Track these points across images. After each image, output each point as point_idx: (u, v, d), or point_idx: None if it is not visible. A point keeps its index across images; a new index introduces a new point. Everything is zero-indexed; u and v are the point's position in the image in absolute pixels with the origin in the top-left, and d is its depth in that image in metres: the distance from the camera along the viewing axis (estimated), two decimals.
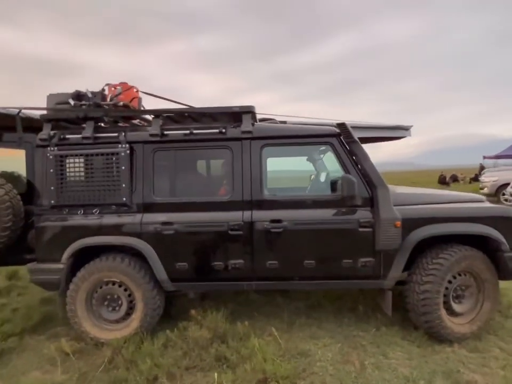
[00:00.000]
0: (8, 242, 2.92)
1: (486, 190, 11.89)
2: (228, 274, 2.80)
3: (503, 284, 2.88)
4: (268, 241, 2.75)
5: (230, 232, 2.74)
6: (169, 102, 3.43)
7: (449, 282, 2.70)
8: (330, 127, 2.85)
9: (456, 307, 2.74)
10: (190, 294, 3.27)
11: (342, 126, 2.76)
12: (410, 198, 2.86)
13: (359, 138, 3.85)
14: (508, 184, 10.53)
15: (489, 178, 12.56)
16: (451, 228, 2.66)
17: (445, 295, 2.69)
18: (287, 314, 3.20)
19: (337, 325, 3.03)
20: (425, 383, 2.14)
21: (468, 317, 2.77)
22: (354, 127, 4.87)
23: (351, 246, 2.72)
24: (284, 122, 4.49)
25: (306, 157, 3.43)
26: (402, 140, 5.79)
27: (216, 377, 2.23)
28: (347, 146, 2.78)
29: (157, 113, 2.91)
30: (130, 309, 2.87)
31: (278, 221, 2.72)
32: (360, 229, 2.70)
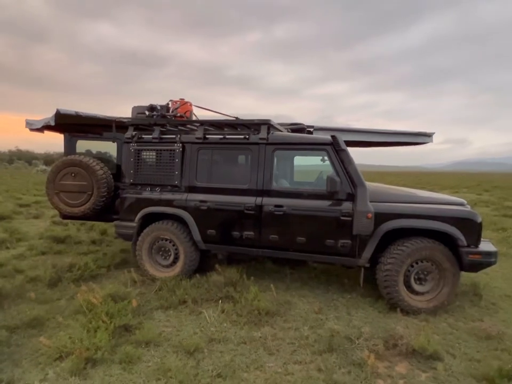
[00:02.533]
0: (104, 206, 4.40)
1: None
2: (242, 242, 3.86)
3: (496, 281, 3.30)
4: (272, 220, 3.72)
5: (245, 211, 3.79)
6: (215, 113, 4.56)
7: (412, 266, 3.38)
8: (326, 137, 3.67)
9: (417, 287, 3.41)
10: (219, 256, 4.45)
11: (334, 137, 3.57)
12: (387, 197, 3.56)
13: (381, 142, 4.73)
14: None
15: None
16: (412, 223, 3.32)
17: (407, 276, 3.39)
18: (289, 280, 4.17)
19: (323, 291, 3.91)
20: (356, 331, 2.92)
21: (427, 296, 3.42)
22: (380, 132, 5.54)
23: (334, 229, 3.55)
24: (311, 127, 5.38)
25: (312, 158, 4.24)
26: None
27: (220, 304, 3.34)
28: (338, 153, 3.58)
29: (201, 123, 4.06)
30: (176, 258, 4.14)
31: (280, 206, 3.68)
32: (342, 217, 3.51)
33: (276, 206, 3.70)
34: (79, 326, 2.79)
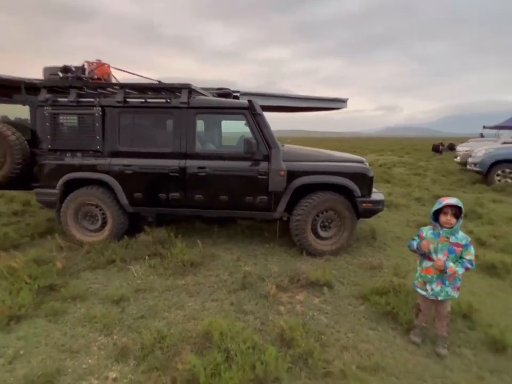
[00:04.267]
0: (19, 173, 4.20)
1: (458, 159, 12.69)
2: (169, 203, 4.06)
3: None
4: (196, 181, 3.96)
5: (170, 174, 3.96)
6: (137, 76, 4.49)
7: (317, 216, 3.93)
8: (243, 102, 3.92)
9: (322, 233, 4.00)
10: (148, 218, 4.61)
11: (250, 102, 3.82)
12: (298, 156, 3.99)
13: (302, 107, 5.06)
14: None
15: (462, 148, 13.31)
16: (317, 179, 3.82)
17: (314, 225, 3.94)
18: (215, 236, 4.53)
19: (246, 244, 4.35)
20: (268, 272, 3.43)
21: (331, 241, 4.03)
22: (300, 98, 5.89)
23: (252, 187, 3.92)
24: (237, 92, 5.54)
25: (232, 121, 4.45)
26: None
27: (147, 260, 3.59)
28: (254, 117, 3.86)
29: (121, 86, 4.02)
30: (104, 223, 4.21)
31: (203, 167, 3.92)
32: (259, 176, 3.88)
33: (199, 167, 3.93)
34: (1, 290, 2.84)
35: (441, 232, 2.24)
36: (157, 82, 4.37)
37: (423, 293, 2.34)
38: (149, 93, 4.20)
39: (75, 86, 4.03)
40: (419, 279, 2.37)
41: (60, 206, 4.17)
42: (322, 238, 4.01)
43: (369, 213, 4.03)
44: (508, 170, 8.77)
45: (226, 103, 4.00)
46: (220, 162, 3.95)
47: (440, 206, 2.19)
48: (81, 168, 4.09)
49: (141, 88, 4.16)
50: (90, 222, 4.23)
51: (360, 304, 2.91)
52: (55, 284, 3.01)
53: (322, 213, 3.94)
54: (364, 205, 3.89)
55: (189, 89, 3.94)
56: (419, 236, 2.35)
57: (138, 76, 4.47)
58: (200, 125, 4.09)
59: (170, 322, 2.56)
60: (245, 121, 3.94)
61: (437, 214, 2.25)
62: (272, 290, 2.87)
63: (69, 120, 4.11)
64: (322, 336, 2.43)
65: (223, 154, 4.01)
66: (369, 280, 3.29)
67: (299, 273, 3.29)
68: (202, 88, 4.62)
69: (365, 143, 51.24)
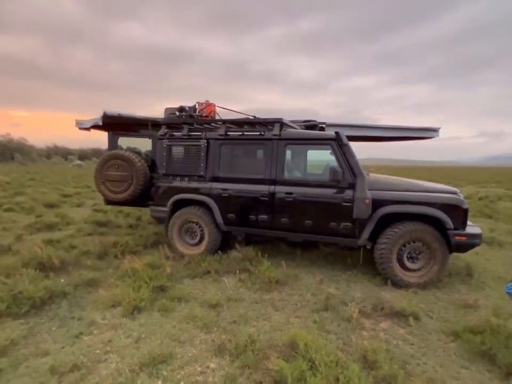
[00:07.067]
0: (141, 193, 5.16)
1: None
2: (257, 224, 4.48)
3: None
4: (283, 205, 4.31)
5: (260, 198, 4.40)
6: (236, 112, 5.19)
7: (404, 246, 3.86)
8: (331, 133, 4.18)
9: (409, 264, 3.89)
10: (238, 237, 5.10)
11: (337, 133, 4.08)
12: (384, 185, 4.03)
13: (389, 137, 5.24)
14: None
15: None
16: (404, 208, 3.79)
17: (400, 254, 3.88)
18: (299, 259, 4.75)
19: (328, 269, 4.46)
20: (350, 297, 3.47)
21: (419, 273, 3.89)
22: (386, 128, 5.97)
23: (336, 214, 4.09)
24: (323, 123, 5.88)
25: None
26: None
27: (237, 274, 3.99)
28: (340, 147, 4.09)
29: (223, 121, 4.70)
30: (201, 238, 4.83)
31: (290, 193, 4.26)
32: (344, 203, 4.04)
33: (287, 193, 4.28)
34: (126, 285, 3.54)
35: None
36: (253, 117, 4.97)
37: None
38: (245, 126, 4.80)
39: (187, 122, 4.86)
40: None
41: (168, 221, 4.95)
42: (409, 270, 3.90)
43: (464, 247, 3.80)
44: None
45: (314, 135, 4.34)
46: (306, 188, 4.25)
47: None
48: (187, 190, 4.82)
49: (239, 123, 4.79)
50: (190, 237, 4.90)
51: (450, 341, 2.78)
52: (164, 285, 3.60)
53: (409, 243, 3.87)
54: (456, 237, 3.70)
55: (280, 123, 4.40)
56: None
57: (237, 112, 5.16)
58: (288, 154, 4.48)
59: (259, 330, 2.84)
60: (330, 151, 4.19)
61: None
62: (355, 314, 2.94)
63: (180, 150, 4.95)
64: (407, 365, 2.41)
65: (309, 182, 4.30)
66: (462, 318, 3.10)
67: (383, 301, 3.28)
68: (290, 121, 5.07)
69: (462, 173, 45.92)
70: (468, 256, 4.85)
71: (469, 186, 20.24)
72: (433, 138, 5.96)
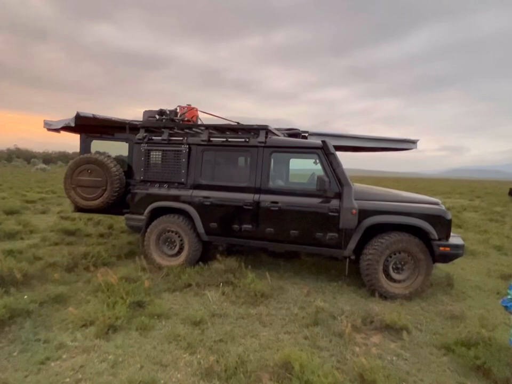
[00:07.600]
0: (116, 200, 4.83)
1: None
2: (241, 234, 4.30)
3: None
4: (268, 215, 4.17)
5: (244, 206, 4.23)
6: (218, 118, 5.02)
7: (390, 256, 3.84)
8: (317, 142, 4.13)
9: (394, 275, 3.87)
10: (219, 247, 4.89)
11: (324, 142, 4.03)
12: (370, 196, 4.01)
13: (369, 147, 5.20)
14: None
15: None
16: (390, 218, 3.79)
17: (386, 265, 3.85)
18: (282, 270, 4.62)
19: (313, 280, 4.36)
20: (339, 310, 3.39)
21: (404, 284, 3.87)
22: (368, 138, 6.01)
23: (322, 224, 4.01)
24: (306, 132, 5.84)
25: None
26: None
27: (221, 287, 3.79)
28: (327, 156, 4.04)
29: (206, 127, 4.52)
30: (181, 249, 4.57)
31: (276, 202, 4.14)
32: (330, 213, 3.97)
33: (272, 202, 4.15)
34: (99, 301, 3.23)
35: None
36: (236, 123, 4.83)
37: None
38: (228, 132, 4.64)
39: (168, 126, 4.63)
40: None
41: (145, 230, 4.65)
42: (394, 281, 3.88)
43: (447, 258, 3.83)
44: None
45: (301, 143, 4.26)
46: (292, 198, 4.14)
47: None
48: (166, 197, 4.57)
49: (223, 129, 4.63)
50: (169, 248, 4.62)
51: (442, 355, 2.73)
52: (142, 300, 3.32)
53: (394, 254, 3.85)
54: (441, 248, 3.73)
55: (266, 130, 4.29)
56: None
57: (220, 118, 5.00)
58: (273, 162, 4.36)
59: (248, 349, 2.65)
60: (315, 160, 4.13)
61: None
62: (348, 329, 2.84)
63: (160, 155, 4.69)
64: (405, 383, 2.33)
65: (295, 190, 4.20)
66: (451, 330, 3.08)
67: (372, 314, 3.20)
68: (274, 129, 4.98)
69: (426, 184, 48.26)
70: (444, 265, 4.94)
71: (436, 197, 21.17)
72: (410, 150, 6.10)
